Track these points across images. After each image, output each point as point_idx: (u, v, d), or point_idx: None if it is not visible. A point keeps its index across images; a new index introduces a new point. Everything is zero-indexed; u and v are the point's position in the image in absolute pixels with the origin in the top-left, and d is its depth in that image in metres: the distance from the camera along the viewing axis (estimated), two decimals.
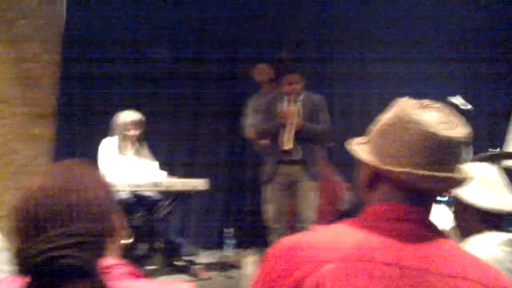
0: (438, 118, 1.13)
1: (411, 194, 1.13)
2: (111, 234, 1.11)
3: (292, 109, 4.33)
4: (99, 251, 1.03)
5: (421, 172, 1.09)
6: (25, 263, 0.97)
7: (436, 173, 1.10)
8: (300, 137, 4.33)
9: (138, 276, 1.12)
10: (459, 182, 1.14)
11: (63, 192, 1.04)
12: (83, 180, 1.08)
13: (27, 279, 0.99)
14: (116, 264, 1.10)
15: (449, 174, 1.11)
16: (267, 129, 4.50)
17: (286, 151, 4.28)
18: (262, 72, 5.65)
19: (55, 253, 0.96)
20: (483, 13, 6.51)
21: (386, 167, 1.13)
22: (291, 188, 4.45)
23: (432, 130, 1.10)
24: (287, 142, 4.25)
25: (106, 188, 1.12)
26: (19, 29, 5.87)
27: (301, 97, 4.47)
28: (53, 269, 0.96)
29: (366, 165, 1.18)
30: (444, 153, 1.11)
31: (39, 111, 5.94)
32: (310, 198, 4.44)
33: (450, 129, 1.12)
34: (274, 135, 4.41)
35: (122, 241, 1.20)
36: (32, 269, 0.97)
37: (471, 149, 4.38)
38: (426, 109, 1.15)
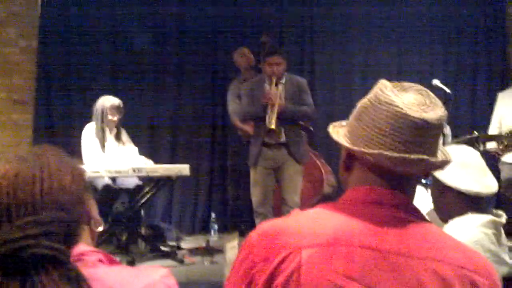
0: (414, 100, 1.11)
1: (387, 178, 1.12)
2: (82, 222, 1.08)
3: (275, 91, 4.31)
4: (70, 239, 1.01)
5: (390, 153, 1.08)
6: None
7: (406, 155, 1.08)
8: (284, 118, 4.31)
9: (112, 263, 1.10)
10: (435, 165, 1.13)
11: (29, 179, 1.01)
12: (50, 168, 1.05)
13: None
14: (90, 251, 1.08)
15: (422, 156, 1.08)
16: (251, 112, 4.49)
17: (270, 133, 4.27)
18: (243, 55, 5.62)
19: (22, 243, 0.93)
20: (466, 3, 6.54)
21: (356, 148, 1.12)
22: (276, 172, 4.46)
23: (404, 111, 1.08)
24: (270, 122, 4.24)
25: (76, 175, 1.09)
26: None
27: (284, 80, 4.45)
28: (21, 258, 0.93)
29: (342, 147, 1.17)
30: (416, 135, 1.08)
31: (17, 97, 5.88)
32: (295, 181, 4.45)
33: (424, 111, 1.09)
34: (258, 118, 4.40)
35: (96, 229, 1.18)
36: (1, 257, 0.95)
37: (448, 132, 4.43)
38: (402, 91, 1.13)
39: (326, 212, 1.12)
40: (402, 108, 1.08)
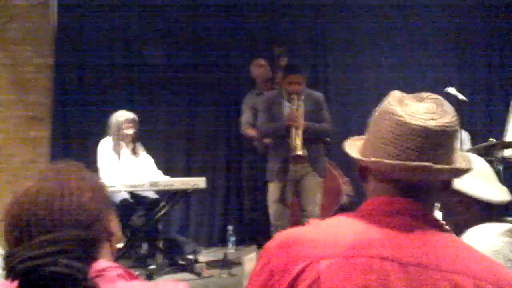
0: (423, 109, 1.11)
1: (404, 188, 1.11)
2: (102, 239, 1.09)
3: (298, 112, 4.31)
4: (89, 256, 1.02)
5: (390, 161, 1.08)
6: (12, 269, 0.96)
7: (407, 162, 1.07)
8: (306, 136, 4.31)
9: (131, 278, 1.11)
10: (445, 173, 1.11)
11: (48, 197, 1.02)
12: (71, 185, 1.05)
13: (17, 285, 0.97)
14: (110, 267, 1.09)
15: (424, 163, 1.07)
16: (272, 131, 4.49)
17: (295, 158, 4.26)
18: (260, 66, 5.63)
19: (40, 261, 0.94)
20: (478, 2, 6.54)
21: (360, 158, 1.13)
22: (296, 185, 4.45)
23: (404, 119, 1.09)
24: (298, 147, 4.23)
25: (96, 192, 1.09)
26: (10, 32, 5.88)
27: (303, 96, 4.45)
28: (38, 276, 0.94)
29: (351, 157, 1.18)
30: (419, 142, 1.08)
31: (34, 114, 5.95)
32: (315, 194, 4.44)
33: (432, 119, 1.09)
34: (279, 136, 4.40)
35: (116, 245, 1.19)
36: (18, 276, 0.96)
37: (465, 138, 4.37)
38: (415, 101, 1.14)
39: (344, 222, 1.12)
40: (403, 117, 1.09)
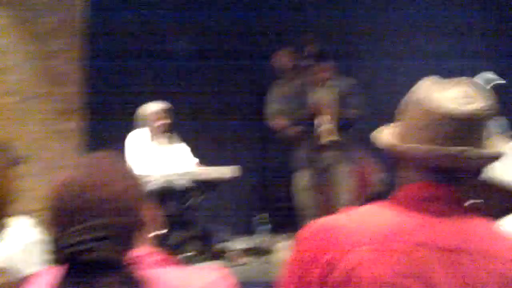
0: (456, 94, 1.09)
1: (438, 174, 1.10)
2: (140, 226, 1.11)
3: (326, 99, 4.29)
4: (127, 243, 1.04)
5: (426, 147, 1.07)
6: (57, 255, 0.99)
7: (443, 148, 1.06)
8: (335, 123, 4.29)
9: (169, 264, 1.13)
10: (478, 158, 1.09)
11: (89, 186, 1.05)
12: (110, 174, 1.08)
13: (63, 270, 1.00)
14: (148, 253, 1.11)
15: (456, 148, 1.06)
16: (301, 119, 4.48)
17: (323, 146, 4.25)
18: (285, 56, 5.61)
19: (78, 247, 0.97)
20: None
21: (393, 144, 1.12)
22: (326, 173, 4.44)
23: (436, 105, 1.07)
24: (327, 134, 4.21)
25: (134, 181, 1.12)
26: (41, 26, 5.96)
27: (331, 84, 4.42)
28: (82, 261, 0.97)
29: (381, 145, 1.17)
30: (455, 127, 1.06)
31: (66, 107, 6.03)
32: (346, 182, 4.43)
33: (466, 104, 1.07)
34: (308, 124, 4.39)
35: (156, 232, 1.21)
36: (64, 261, 0.99)
37: (503, 123, 4.28)
38: (446, 86, 1.12)
39: (378, 210, 1.12)
40: (437, 102, 1.07)
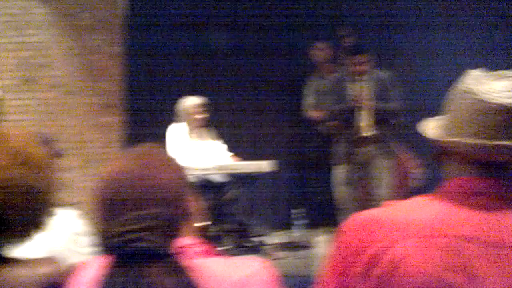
0: (500, 87, 1.07)
1: (484, 167, 1.08)
2: (185, 217, 1.13)
3: (363, 93, 4.24)
4: (172, 233, 1.06)
5: (471, 141, 1.05)
6: (105, 245, 1.01)
7: (488, 142, 1.04)
8: (373, 117, 4.24)
9: (212, 254, 1.15)
10: None
11: (138, 176, 1.07)
12: (158, 165, 1.10)
13: (110, 259, 1.03)
14: (192, 244, 1.13)
15: (503, 142, 1.03)
16: (338, 113, 4.44)
17: (361, 139, 4.21)
18: (320, 49, 5.58)
19: (126, 237, 1.00)
20: None
21: (438, 138, 1.11)
22: (365, 168, 4.40)
23: (481, 97, 1.05)
24: (366, 128, 4.17)
25: (177, 172, 1.14)
26: (82, 21, 6.09)
27: (369, 76, 4.37)
28: (126, 252, 1.00)
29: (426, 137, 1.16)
30: (498, 121, 1.04)
31: (106, 101, 6.16)
32: (385, 176, 4.38)
33: (510, 97, 1.05)
34: (346, 118, 4.35)
35: (199, 223, 1.23)
36: (111, 250, 1.01)
37: None
38: (490, 79, 1.10)
39: (422, 203, 1.11)
40: (481, 95, 1.06)
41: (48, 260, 1.23)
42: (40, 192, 1.17)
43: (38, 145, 1.24)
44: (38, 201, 1.17)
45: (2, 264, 1.14)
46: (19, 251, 1.22)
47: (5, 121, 5.91)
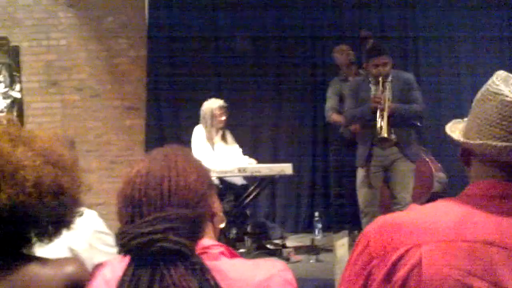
0: None
1: (507, 170, 1.07)
2: (206, 218, 1.14)
3: (383, 94, 4.20)
4: (194, 234, 1.07)
5: (495, 143, 1.04)
6: (125, 245, 1.03)
7: None
8: (394, 119, 4.20)
9: (233, 256, 1.16)
10: None
11: (158, 179, 1.08)
12: (183, 166, 1.12)
13: (133, 259, 1.05)
14: (213, 245, 1.14)
15: None
16: (359, 115, 4.41)
17: (382, 141, 4.18)
18: (342, 52, 5.56)
19: (150, 237, 1.01)
20: None
21: (464, 140, 1.10)
22: (386, 171, 4.36)
23: (509, 100, 1.04)
24: (382, 130, 4.14)
25: (201, 174, 1.15)
26: (106, 25, 6.18)
27: (390, 78, 4.33)
28: (150, 252, 1.01)
29: (451, 140, 1.15)
30: None
31: (130, 104, 6.24)
32: (406, 180, 4.32)
33: None
34: (366, 120, 4.32)
35: (221, 225, 1.24)
36: (131, 251, 1.03)
37: None
38: None
39: (446, 207, 1.10)
40: (509, 97, 1.04)
41: (73, 260, 1.26)
42: (70, 192, 1.20)
43: (64, 147, 1.26)
44: (68, 200, 1.19)
45: (28, 263, 1.17)
46: (43, 250, 1.24)
47: (30, 123, 6.02)
